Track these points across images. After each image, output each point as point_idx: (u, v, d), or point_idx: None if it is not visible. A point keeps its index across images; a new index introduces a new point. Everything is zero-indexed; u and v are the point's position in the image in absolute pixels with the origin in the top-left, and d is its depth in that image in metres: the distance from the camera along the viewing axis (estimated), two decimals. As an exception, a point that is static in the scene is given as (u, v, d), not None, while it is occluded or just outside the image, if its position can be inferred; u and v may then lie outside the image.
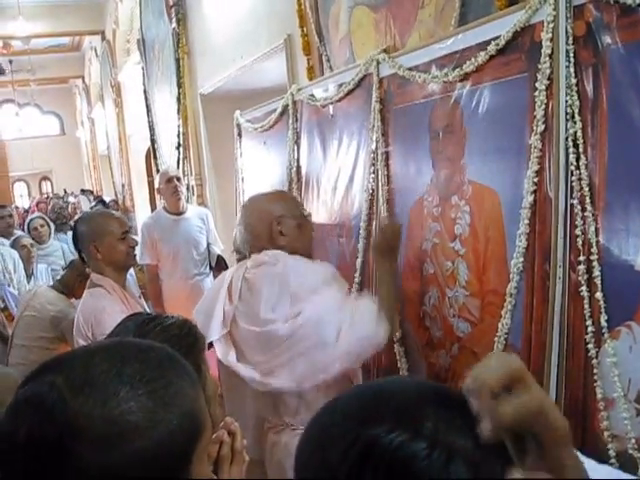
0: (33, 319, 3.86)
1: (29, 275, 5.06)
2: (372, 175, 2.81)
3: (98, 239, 2.77)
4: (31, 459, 0.76)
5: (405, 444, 0.66)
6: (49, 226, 6.07)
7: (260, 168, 4.36)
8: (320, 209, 3.40)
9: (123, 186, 12.56)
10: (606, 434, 1.69)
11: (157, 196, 9.00)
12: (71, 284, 4.09)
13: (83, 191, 15.86)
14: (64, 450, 0.75)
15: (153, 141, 8.14)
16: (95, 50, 13.47)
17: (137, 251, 4.93)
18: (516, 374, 0.68)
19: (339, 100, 3.10)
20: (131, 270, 5.04)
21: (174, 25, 6.36)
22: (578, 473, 0.70)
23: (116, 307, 2.63)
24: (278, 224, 2.43)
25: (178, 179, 4.88)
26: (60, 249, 6.17)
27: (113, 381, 0.79)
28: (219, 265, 4.84)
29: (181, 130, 6.62)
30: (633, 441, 1.62)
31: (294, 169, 3.70)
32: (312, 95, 3.40)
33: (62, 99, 20.25)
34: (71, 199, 15.03)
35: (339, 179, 3.16)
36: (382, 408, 0.71)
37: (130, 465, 0.76)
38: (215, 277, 4.35)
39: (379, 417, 0.70)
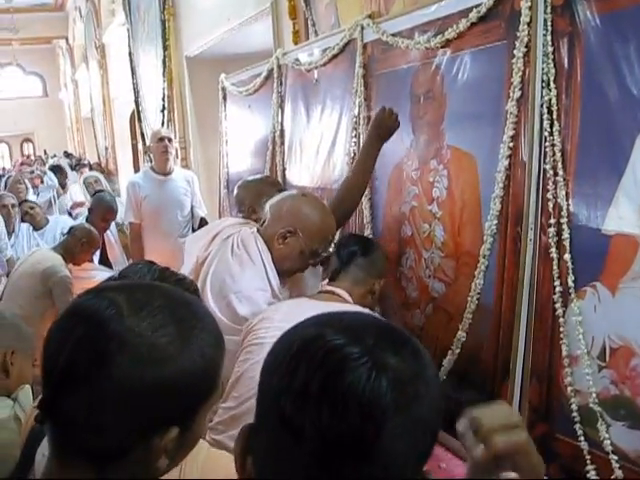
0: (26, 274, 3.93)
1: (10, 232, 5.09)
2: (354, 139, 2.85)
3: None
4: (75, 359, 0.87)
5: (340, 346, 0.74)
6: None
7: (244, 132, 4.38)
8: (302, 173, 3.44)
9: (106, 149, 12.46)
10: (569, 389, 1.78)
11: (141, 159, 8.98)
12: (72, 250, 4.16)
13: (67, 154, 15.58)
14: (107, 357, 0.85)
15: (137, 104, 8.08)
16: (79, 10, 13.26)
17: (121, 210, 5.01)
18: (515, 423, 0.79)
19: (323, 65, 3.13)
20: (112, 228, 5.08)
21: (160, -14, 6.30)
22: None
23: None
24: (289, 234, 2.18)
25: (170, 140, 4.89)
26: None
27: (166, 315, 0.91)
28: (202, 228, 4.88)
29: (166, 93, 6.58)
30: (594, 395, 1.71)
31: (278, 133, 3.73)
32: (297, 59, 3.42)
33: (45, 60, 19.89)
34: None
35: (322, 143, 3.20)
36: (330, 322, 0.80)
37: (152, 387, 0.87)
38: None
39: (325, 326, 0.78)
